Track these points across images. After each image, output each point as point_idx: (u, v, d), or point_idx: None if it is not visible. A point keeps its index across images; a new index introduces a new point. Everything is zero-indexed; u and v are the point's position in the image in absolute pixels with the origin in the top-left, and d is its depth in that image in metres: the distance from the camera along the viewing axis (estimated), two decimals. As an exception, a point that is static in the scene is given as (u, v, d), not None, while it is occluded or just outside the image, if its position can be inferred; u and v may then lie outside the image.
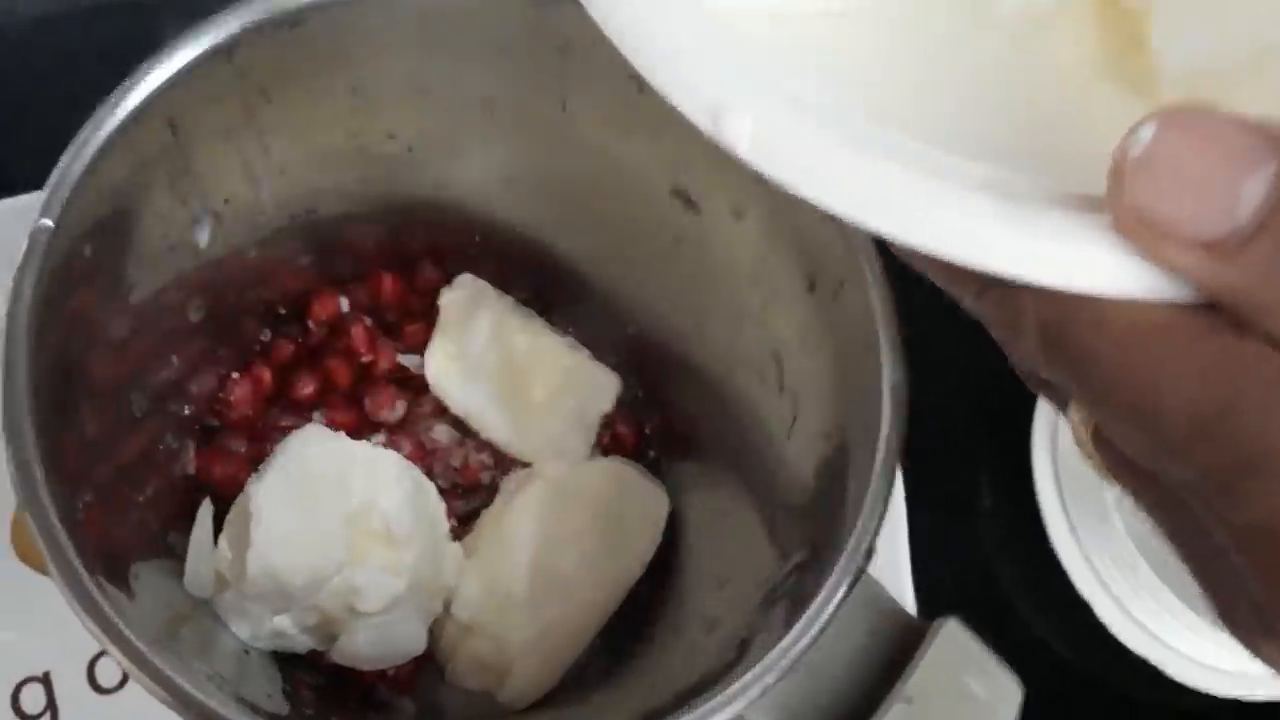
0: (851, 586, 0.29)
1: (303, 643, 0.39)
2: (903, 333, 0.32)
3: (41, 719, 0.44)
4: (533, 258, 0.47)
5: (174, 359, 0.39)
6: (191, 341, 0.40)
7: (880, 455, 0.31)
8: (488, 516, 0.45)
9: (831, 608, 0.29)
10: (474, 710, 0.43)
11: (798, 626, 0.29)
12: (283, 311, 0.46)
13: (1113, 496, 0.50)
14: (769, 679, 0.28)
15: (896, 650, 0.30)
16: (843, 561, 0.30)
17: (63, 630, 0.43)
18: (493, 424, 0.45)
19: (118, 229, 0.33)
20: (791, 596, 0.32)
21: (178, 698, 0.28)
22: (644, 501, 0.46)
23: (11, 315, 0.29)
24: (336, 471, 0.38)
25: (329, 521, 0.37)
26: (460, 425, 0.47)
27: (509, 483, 0.46)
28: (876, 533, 0.30)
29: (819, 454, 0.35)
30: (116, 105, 0.31)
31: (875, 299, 0.32)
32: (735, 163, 0.17)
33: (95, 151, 0.30)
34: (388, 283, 0.47)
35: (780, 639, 0.29)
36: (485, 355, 0.45)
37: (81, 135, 0.30)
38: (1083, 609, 0.50)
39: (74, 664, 0.44)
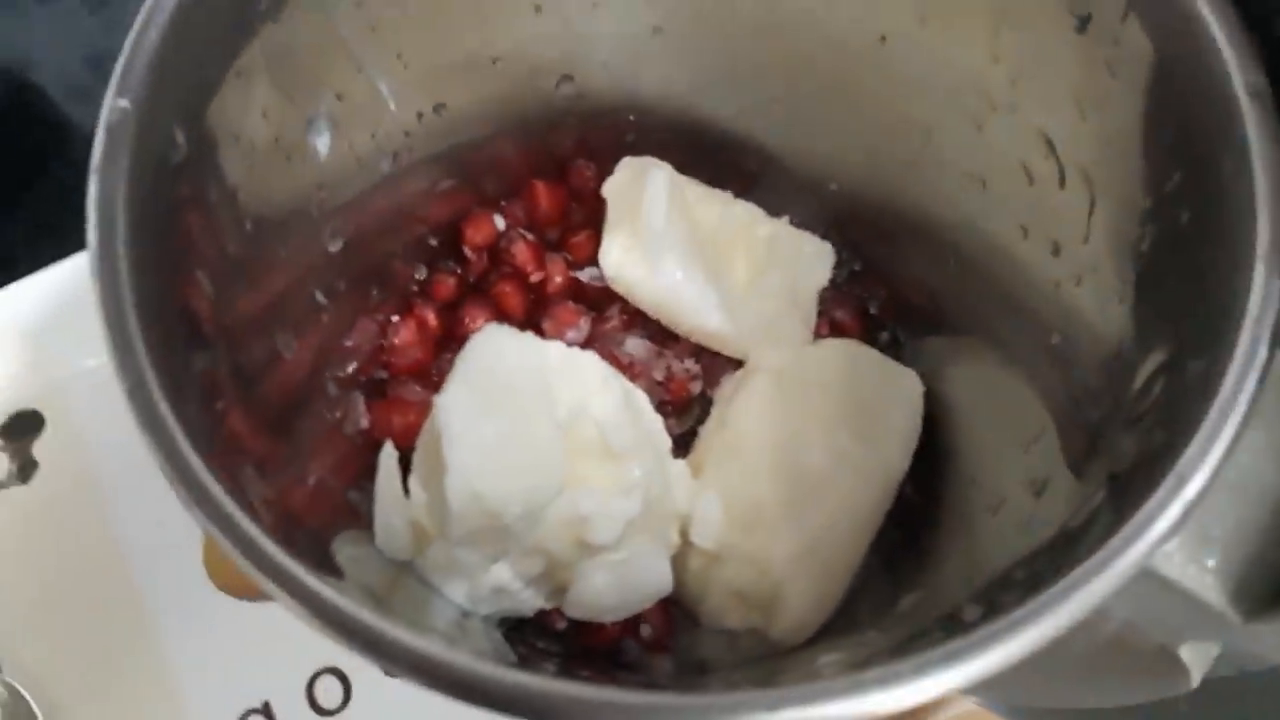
0: (1266, 368, 0.21)
1: (529, 601, 0.32)
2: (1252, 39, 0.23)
3: (270, 752, 0.40)
4: (696, 128, 0.40)
5: (317, 294, 0.33)
6: (335, 279, 0.34)
7: (1261, 176, 0.22)
8: (707, 430, 0.38)
9: (1244, 402, 0.21)
10: (742, 656, 0.35)
11: (1200, 435, 0.21)
12: (434, 243, 0.40)
13: None
14: (1183, 499, 0.20)
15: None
16: (1245, 336, 0.21)
17: (275, 654, 0.40)
18: (693, 310, 0.38)
19: (215, 121, 0.26)
20: (1165, 409, 0.23)
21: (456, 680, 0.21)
22: (890, 382, 0.38)
23: (101, 246, 0.22)
24: (533, 375, 0.31)
25: (537, 432, 0.29)
26: (655, 336, 0.40)
27: (724, 388, 0.39)
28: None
29: (1148, 233, 0.26)
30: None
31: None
32: None
33: (171, 15, 0.24)
34: (542, 191, 0.41)
35: (1168, 455, 0.21)
36: (668, 233, 0.38)
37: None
38: None
39: (292, 688, 0.40)
